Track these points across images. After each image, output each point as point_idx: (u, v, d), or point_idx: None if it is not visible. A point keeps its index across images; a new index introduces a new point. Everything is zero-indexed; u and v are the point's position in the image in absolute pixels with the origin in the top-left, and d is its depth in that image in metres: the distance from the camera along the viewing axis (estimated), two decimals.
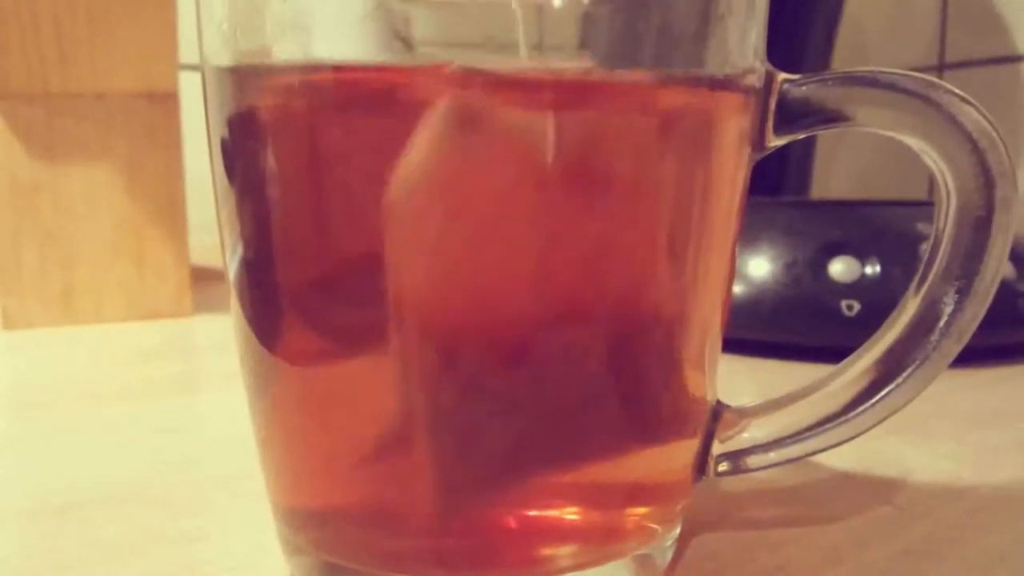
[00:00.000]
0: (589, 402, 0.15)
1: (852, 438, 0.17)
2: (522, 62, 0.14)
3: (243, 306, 0.16)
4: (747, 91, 0.16)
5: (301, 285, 0.15)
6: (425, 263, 0.14)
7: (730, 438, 0.18)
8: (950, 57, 0.64)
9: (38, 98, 0.42)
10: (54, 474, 0.23)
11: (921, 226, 0.36)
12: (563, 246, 0.14)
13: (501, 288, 0.14)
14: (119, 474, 0.23)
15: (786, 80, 0.16)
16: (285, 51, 0.14)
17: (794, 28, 0.53)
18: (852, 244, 0.36)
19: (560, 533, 0.16)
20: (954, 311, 0.16)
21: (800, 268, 0.36)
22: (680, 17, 0.14)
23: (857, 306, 0.35)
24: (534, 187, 0.14)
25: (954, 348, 0.16)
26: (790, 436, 0.18)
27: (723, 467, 0.18)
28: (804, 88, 0.16)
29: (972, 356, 0.23)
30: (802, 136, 0.17)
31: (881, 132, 0.16)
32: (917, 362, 0.16)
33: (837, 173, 0.71)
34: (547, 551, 0.16)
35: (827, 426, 0.17)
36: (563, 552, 0.16)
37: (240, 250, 0.16)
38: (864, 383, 0.17)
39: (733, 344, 0.35)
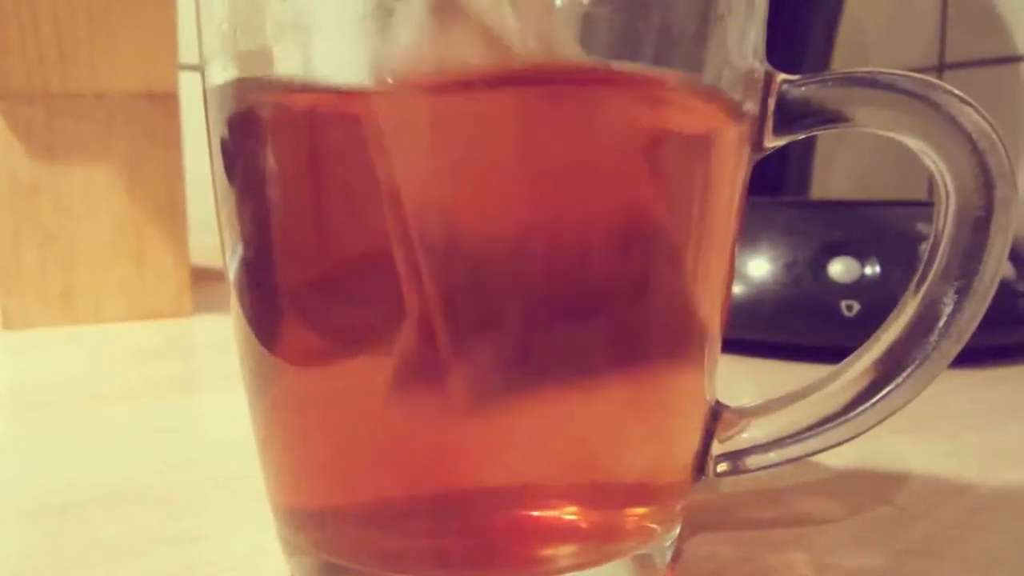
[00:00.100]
0: (589, 402, 0.15)
1: (852, 438, 0.17)
2: (520, 61, 0.14)
3: (243, 306, 0.16)
4: (746, 92, 0.16)
5: (301, 285, 0.15)
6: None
7: (730, 438, 0.18)
8: (950, 57, 0.64)
9: (38, 98, 0.42)
10: (54, 474, 0.23)
11: (921, 226, 0.36)
12: (562, 247, 0.14)
13: (505, 285, 0.14)
14: (119, 474, 0.23)
15: (785, 80, 0.16)
16: (285, 51, 0.14)
17: (794, 28, 0.53)
18: (852, 244, 0.36)
19: (559, 533, 0.16)
20: (953, 311, 0.16)
21: (800, 268, 0.36)
22: (679, 17, 0.14)
23: (857, 306, 0.35)
24: (531, 188, 0.14)
25: (954, 348, 0.16)
26: (790, 436, 0.18)
27: (723, 467, 0.18)
28: (803, 88, 0.16)
29: (972, 356, 0.23)
30: (801, 136, 0.17)
31: (880, 133, 0.16)
32: (917, 362, 0.16)
33: (837, 173, 0.71)
34: (547, 551, 0.16)
35: (827, 426, 0.17)
36: (563, 552, 0.16)
37: (240, 250, 0.16)
38: (864, 383, 0.17)
39: (733, 344, 0.35)
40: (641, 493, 0.16)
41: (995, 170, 0.15)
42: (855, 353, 0.17)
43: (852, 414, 0.17)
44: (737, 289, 0.37)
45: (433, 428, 0.15)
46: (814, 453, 0.18)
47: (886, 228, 0.37)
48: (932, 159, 0.16)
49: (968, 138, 0.15)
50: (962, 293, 0.16)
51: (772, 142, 0.17)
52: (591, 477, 0.15)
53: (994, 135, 0.15)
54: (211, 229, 0.18)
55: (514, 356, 0.14)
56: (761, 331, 0.37)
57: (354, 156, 0.14)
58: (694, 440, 0.17)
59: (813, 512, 0.21)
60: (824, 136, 0.59)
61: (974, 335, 0.16)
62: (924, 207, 0.39)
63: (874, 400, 0.17)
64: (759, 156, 0.17)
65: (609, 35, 0.14)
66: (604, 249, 0.14)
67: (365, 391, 0.15)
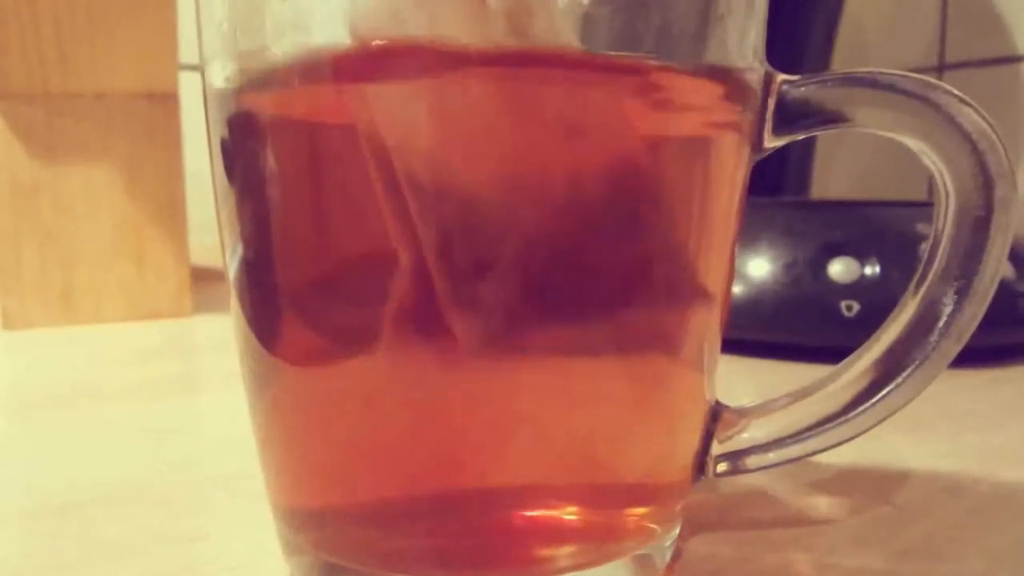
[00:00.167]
0: (589, 402, 0.15)
1: (852, 438, 0.17)
2: (518, 63, 0.14)
3: (243, 306, 0.16)
4: (746, 92, 0.16)
5: (301, 285, 0.15)
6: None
7: (729, 438, 0.18)
8: (950, 58, 0.64)
9: (38, 98, 0.42)
10: (54, 474, 0.23)
11: (920, 226, 0.36)
12: (561, 247, 0.14)
13: (508, 288, 0.14)
14: (119, 474, 0.23)
15: (785, 81, 0.16)
16: (285, 51, 0.14)
17: (794, 28, 0.53)
18: (852, 245, 0.36)
19: (559, 533, 0.16)
20: (953, 311, 0.16)
21: (800, 268, 0.36)
22: (679, 17, 0.14)
23: (856, 306, 0.35)
24: (531, 188, 0.14)
25: (953, 348, 0.16)
26: (789, 436, 0.18)
27: (722, 467, 0.18)
28: (803, 89, 0.16)
29: (972, 356, 0.23)
30: (801, 137, 0.17)
31: (880, 133, 0.16)
32: (916, 362, 0.16)
33: (837, 173, 0.71)
34: (546, 551, 0.16)
35: (826, 426, 0.17)
36: (562, 552, 0.16)
37: (240, 250, 0.16)
38: (863, 383, 0.17)
39: (732, 344, 0.35)
40: (641, 493, 0.16)
41: (995, 170, 0.15)
42: (855, 353, 0.18)
43: (852, 414, 0.17)
44: (737, 289, 0.37)
45: (433, 428, 0.15)
46: (814, 453, 0.18)
47: (886, 228, 0.37)
48: (932, 159, 0.16)
49: (968, 138, 0.15)
50: (962, 293, 0.16)
51: (772, 142, 0.17)
52: (591, 477, 0.15)
53: (994, 135, 0.15)
54: (211, 229, 0.18)
55: (513, 352, 0.14)
56: (761, 331, 0.37)
57: (354, 154, 0.14)
58: (694, 440, 0.17)
59: (813, 512, 0.21)
60: (824, 136, 0.59)
61: (974, 335, 0.16)
62: (924, 207, 0.39)
63: (874, 400, 0.17)
64: (759, 156, 0.17)
65: (609, 35, 0.14)
66: (603, 250, 0.14)
67: (365, 391, 0.15)
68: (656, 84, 0.15)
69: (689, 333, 0.16)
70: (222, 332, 0.42)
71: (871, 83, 0.16)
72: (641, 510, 0.16)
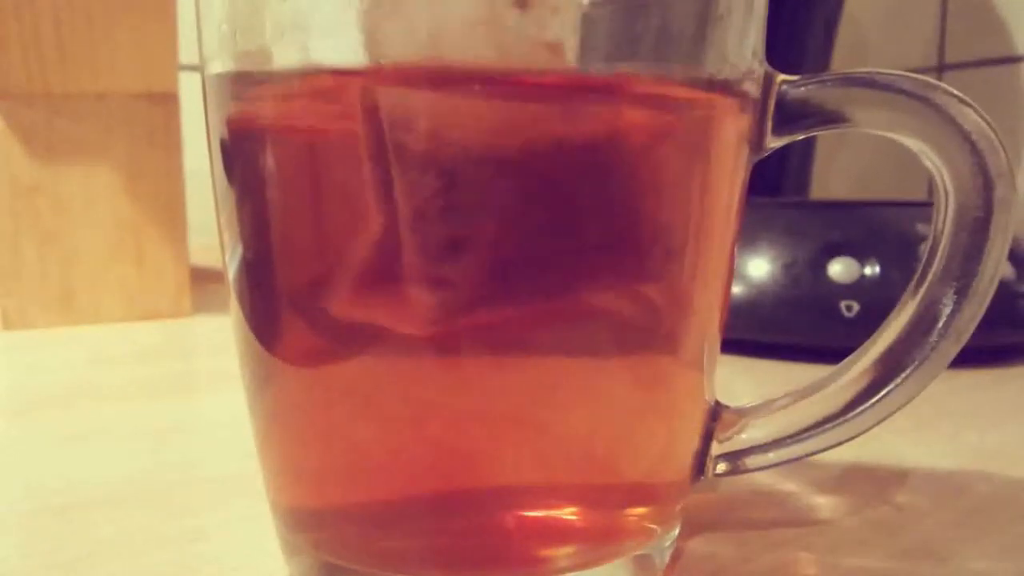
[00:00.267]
0: (588, 402, 0.15)
1: (851, 438, 0.17)
2: (518, 64, 0.14)
3: (242, 307, 0.16)
4: (746, 92, 0.16)
5: (300, 286, 0.15)
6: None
7: (729, 438, 0.18)
8: (949, 58, 0.64)
9: (38, 98, 0.42)
10: (54, 474, 0.23)
11: (920, 227, 0.36)
12: (561, 247, 0.14)
13: (503, 282, 0.14)
14: (119, 474, 0.23)
15: (785, 81, 0.16)
16: (284, 52, 0.14)
17: (793, 29, 0.53)
18: (851, 245, 0.36)
19: (559, 533, 0.16)
20: (953, 311, 0.16)
21: (799, 269, 0.36)
22: (679, 18, 0.14)
23: (856, 307, 0.35)
24: (531, 190, 0.14)
25: (953, 348, 0.16)
26: (789, 436, 0.18)
27: (722, 467, 0.18)
28: (803, 89, 0.16)
29: (971, 356, 0.23)
30: (801, 137, 0.17)
31: (880, 133, 0.16)
32: (916, 362, 0.16)
33: (837, 174, 0.71)
34: (546, 551, 0.16)
35: (826, 426, 0.17)
36: (562, 552, 0.16)
37: (239, 251, 0.16)
38: (863, 383, 0.17)
39: (732, 345, 0.35)
40: (641, 493, 0.16)
41: (994, 171, 0.15)
42: (855, 353, 0.18)
43: (852, 414, 0.17)
44: (737, 289, 0.37)
45: (432, 428, 0.15)
46: (814, 453, 0.18)
47: (886, 228, 0.37)
48: (931, 160, 0.16)
49: (967, 139, 0.15)
50: (961, 293, 0.16)
51: (772, 143, 0.17)
52: (591, 477, 0.15)
53: (993, 136, 0.15)
54: (211, 230, 0.18)
55: (513, 352, 0.14)
56: (761, 331, 0.37)
57: (352, 155, 0.14)
58: (693, 440, 0.17)
59: (813, 512, 0.21)
60: (824, 136, 0.59)
61: (973, 335, 0.16)
62: (924, 207, 0.39)
63: (874, 400, 0.17)
64: (759, 156, 0.17)
65: (608, 36, 0.14)
66: (603, 250, 0.14)
67: (364, 391, 0.15)
68: (656, 85, 0.15)
69: (689, 333, 0.16)
70: (221, 332, 0.42)
71: (871, 83, 0.16)
72: (641, 510, 0.16)
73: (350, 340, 0.15)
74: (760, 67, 0.16)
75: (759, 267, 0.37)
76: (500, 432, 0.15)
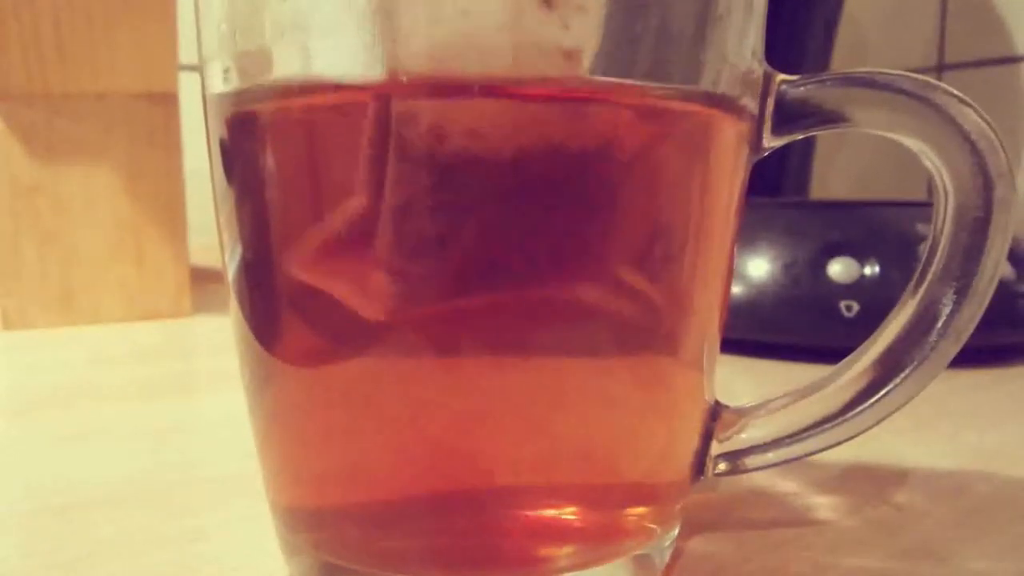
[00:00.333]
0: (588, 402, 0.15)
1: (851, 438, 0.17)
2: (517, 64, 0.14)
3: (242, 307, 0.16)
4: (745, 92, 0.16)
5: (300, 286, 0.15)
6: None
7: (728, 438, 0.18)
8: (949, 58, 0.64)
9: (38, 98, 0.42)
10: (54, 474, 0.23)
11: (920, 227, 0.36)
12: (560, 246, 0.14)
13: (502, 279, 0.14)
14: (119, 474, 0.23)
15: (784, 81, 0.16)
16: (284, 52, 0.14)
17: (793, 28, 0.53)
18: (851, 245, 0.36)
19: (559, 533, 0.16)
20: (952, 311, 0.16)
21: (799, 269, 0.36)
22: (678, 17, 0.14)
23: (856, 307, 0.35)
24: (531, 189, 0.14)
25: (952, 348, 0.16)
26: (789, 436, 0.18)
27: (722, 467, 0.18)
28: (802, 89, 0.16)
29: (971, 356, 0.23)
30: (800, 137, 0.17)
31: (879, 133, 0.16)
32: (915, 362, 0.16)
33: (836, 174, 0.71)
34: (546, 551, 0.16)
35: (826, 426, 0.17)
36: (562, 552, 0.16)
37: (239, 251, 0.16)
38: (863, 383, 0.17)
39: (732, 344, 0.35)
40: (640, 493, 0.16)
41: (994, 171, 0.15)
42: (854, 353, 0.18)
43: (851, 414, 0.17)
44: (737, 289, 0.37)
45: (432, 428, 0.15)
46: (813, 453, 0.18)
47: (885, 228, 0.37)
48: (931, 160, 0.16)
49: (967, 139, 0.15)
50: (961, 293, 0.16)
51: (771, 143, 0.17)
52: (590, 477, 0.15)
53: (993, 136, 0.15)
54: (211, 230, 0.18)
55: (511, 344, 0.14)
56: (760, 331, 0.37)
57: (352, 157, 0.14)
58: (693, 440, 0.17)
59: (813, 512, 0.21)
60: (824, 136, 0.59)
61: (973, 335, 0.16)
62: (923, 207, 0.39)
63: (873, 400, 0.17)
64: (758, 156, 0.17)
65: (608, 36, 0.14)
66: (603, 250, 0.14)
67: (364, 391, 0.15)
68: (655, 84, 0.15)
69: (688, 333, 0.16)
70: (221, 332, 0.42)
71: (870, 83, 0.16)
72: (640, 510, 0.16)
73: (350, 340, 0.15)
74: (760, 67, 0.16)
75: (759, 267, 0.37)
76: (500, 432, 0.15)
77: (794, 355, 0.36)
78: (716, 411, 0.18)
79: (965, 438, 0.26)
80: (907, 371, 0.17)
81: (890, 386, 0.17)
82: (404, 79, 0.13)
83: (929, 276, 0.16)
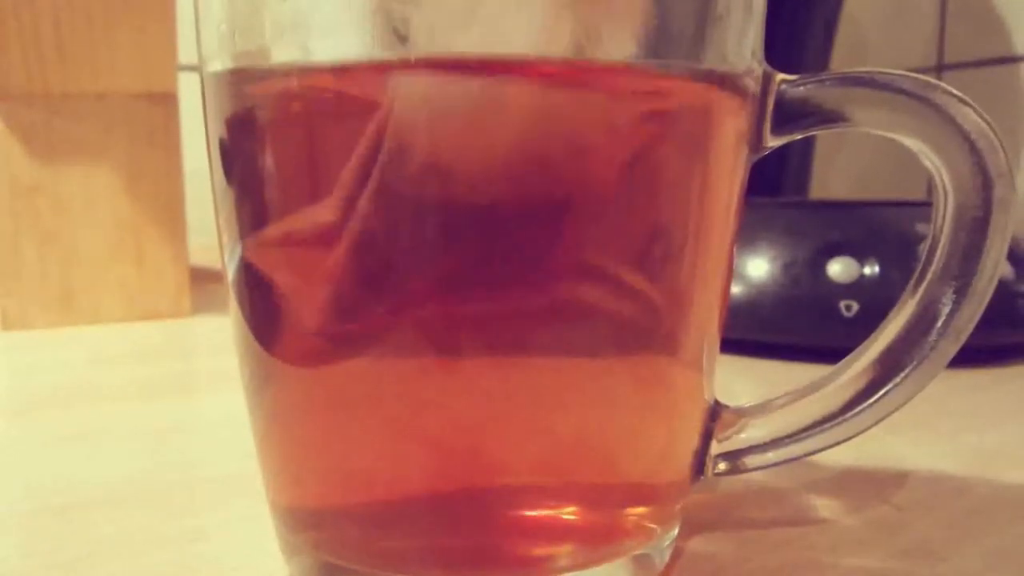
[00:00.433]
0: (587, 402, 0.15)
1: (850, 438, 0.17)
2: (516, 62, 0.14)
3: (242, 307, 0.16)
4: (745, 92, 0.16)
5: (300, 286, 0.15)
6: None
7: (728, 438, 0.18)
8: (949, 58, 0.64)
9: (38, 98, 0.42)
10: (54, 474, 0.23)
11: (919, 226, 0.36)
12: (559, 245, 0.14)
13: (501, 278, 0.14)
14: (119, 474, 0.23)
15: (784, 81, 0.16)
16: (284, 52, 0.14)
17: (793, 28, 0.53)
18: (851, 244, 0.36)
19: (559, 533, 0.16)
20: (952, 311, 0.16)
21: (799, 268, 0.36)
22: (677, 17, 0.14)
23: (856, 306, 0.35)
24: (530, 190, 0.14)
25: (952, 348, 0.16)
26: (788, 436, 0.18)
27: (721, 467, 0.18)
28: (802, 89, 0.16)
29: (971, 356, 0.23)
30: (800, 137, 0.17)
31: (879, 133, 0.16)
32: (915, 362, 0.16)
33: (836, 173, 0.71)
34: (545, 551, 0.16)
35: (825, 426, 0.17)
36: (562, 552, 0.16)
37: (239, 250, 0.16)
38: (862, 383, 0.17)
39: (732, 344, 0.35)
40: (640, 493, 0.16)
41: (993, 170, 0.15)
42: (853, 353, 0.18)
43: (851, 414, 0.17)
44: (736, 289, 0.37)
45: (432, 428, 0.15)
46: (813, 453, 0.18)
47: (885, 228, 0.37)
48: (931, 159, 0.16)
49: (967, 138, 0.15)
50: (960, 293, 0.16)
51: (771, 142, 0.17)
52: (590, 477, 0.15)
53: (993, 136, 0.15)
54: (210, 230, 0.18)
55: (511, 344, 0.14)
56: (760, 331, 0.37)
57: (352, 153, 0.14)
58: (693, 440, 0.17)
59: (813, 512, 0.21)
60: (824, 136, 0.59)
61: (972, 335, 0.16)
62: (923, 207, 0.39)
63: (873, 400, 0.17)
64: (758, 156, 0.17)
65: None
66: (603, 250, 0.14)
67: (363, 391, 0.15)
68: (655, 84, 0.15)
69: (688, 333, 0.16)
70: (221, 332, 0.42)
71: (870, 83, 0.16)
72: (640, 510, 0.16)
73: (349, 340, 0.15)
74: (759, 67, 0.16)
75: (759, 267, 0.37)
76: (500, 432, 0.15)
77: (794, 355, 0.36)
78: (716, 411, 0.18)
79: (965, 438, 0.26)
80: (907, 371, 0.17)
81: (890, 386, 0.17)
82: (410, 59, 0.13)
83: (929, 276, 0.16)
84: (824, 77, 0.16)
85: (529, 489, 0.15)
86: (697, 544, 0.19)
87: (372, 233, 0.14)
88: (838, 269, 0.36)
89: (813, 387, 0.18)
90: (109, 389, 0.32)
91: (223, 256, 0.16)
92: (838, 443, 0.17)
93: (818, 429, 0.17)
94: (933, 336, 0.16)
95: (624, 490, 0.16)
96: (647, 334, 0.15)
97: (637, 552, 0.16)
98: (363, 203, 0.14)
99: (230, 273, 0.16)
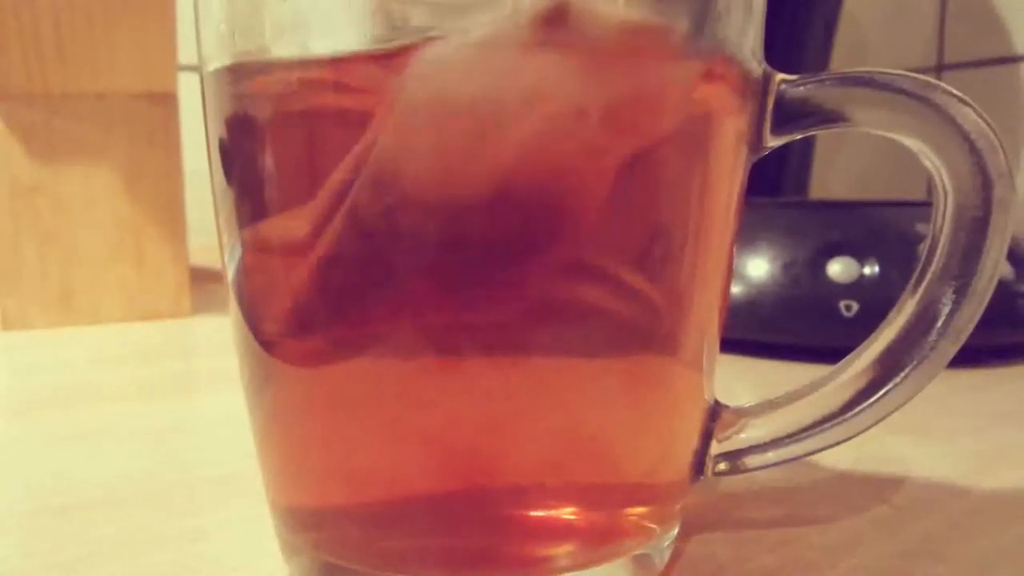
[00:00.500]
0: (587, 402, 0.15)
1: (850, 438, 0.17)
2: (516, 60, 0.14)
3: (241, 307, 0.16)
4: (744, 92, 0.16)
5: (299, 287, 0.15)
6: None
7: (728, 438, 0.18)
8: (949, 58, 0.64)
9: (38, 98, 0.42)
10: (54, 474, 0.23)
11: (919, 226, 0.36)
12: (560, 245, 0.14)
13: (503, 283, 0.14)
14: (119, 474, 0.23)
15: (784, 80, 0.16)
16: (284, 52, 0.14)
17: (793, 28, 0.53)
18: (850, 245, 0.36)
19: (559, 533, 0.16)
20: (951, 311, 0.16)
21: (799, 268, 0.36)
22: (677, 17, 0.14)
23: (855, 306, 0.35)
24: (530, 189, 0.14)
25: (951, 348, 0.16)
26: (788, 436, 0.18)
27: (721, 467, 0.18)
28: (802, 89, 0.16)
29: (970, 356, 0.23)
30: (800, 137, 0.17)
31: (879, 133, 0.16)
32: (915, 362, 0.16)
33: (836, 173, 0.71)
34: (546, 551, 0.16)
35: (825, 426, 0.17)
36: (562, 552, 0.16)
37: (239, 251, 0.16)
38: (862, 383, 0.17)
39: (731, 344, 0.35)
40: (640, 493, 0.16)
41: (993, 171, 0.15)
42: (853, 353, 0.18)
43: (850, 414, 0.17)
44: (736, 289, 0.37)
45: (432, 428, 0.15)
46: (813, 453, 0.18)
47: (885, 228, 0.37)
48: (931, 159, 0.16)
49: (967, 138, 0.15)
50: (960, 293, 0.16)
51: (771, 142, 0.17)
52: (590, 477, 0.15)
53: (993, 136, 0.15)
54: (210, 230, 0.18)
55: (511, 344, 0.14)
56: (760, 331, 0.37)
57: (351, 152, 0.14)
58: (693, 440, 0.17)
59: (812, 512, 0.21)
60: (824, 136, 0.59)
61: (972, 335, 0.16)
62: (923, 207, 0.39)
63: (872, 400, 0.17)
64: (757, 156, 0.17)
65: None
66: (603, 250, 0.14)
67: (363, 391, 0.15)
68: (655, 84, 0.15)
69: (688, 333, 0.16)
70: (221, 332, 0.42)
71: (870, 83, 0.16)
72: (640, 510, 0.16)
73: (349, 340, 0.15)
74: (759, 66, 0.16)
75: (759, 267, 0.37)
76: (499, 432, 0.15)
77: (794, 355, 0.36)
78: (716, 411, 0.18)
79: (964, 438, 0.26)
80: (907, 371, 0.17)
81: (890, 386, 0.17)
82: (409, 54, 0.13)
83: (928, 276, 0.16)
84: (824, 77, 0.16)
85: (529, 489, 0.15)
86: (697, 544, 0.19)
87: (372, 232, 0.14)
88: (838, 269, 0.36)
89: (813, 387, 0.18)
90: (109, 389, 0.32)
91: (223, 256, 0.16)
92: (838, 443, 0.17)
93: (818, 429, 0.17)
94: (933, 336, 0.16)
95: (624, 490, 0.16)
96: (647, 334, 0.15)
97: (637, 552, 0.16)
98: (363, 203, 0.14)
99: (230, 273, 0.16)
